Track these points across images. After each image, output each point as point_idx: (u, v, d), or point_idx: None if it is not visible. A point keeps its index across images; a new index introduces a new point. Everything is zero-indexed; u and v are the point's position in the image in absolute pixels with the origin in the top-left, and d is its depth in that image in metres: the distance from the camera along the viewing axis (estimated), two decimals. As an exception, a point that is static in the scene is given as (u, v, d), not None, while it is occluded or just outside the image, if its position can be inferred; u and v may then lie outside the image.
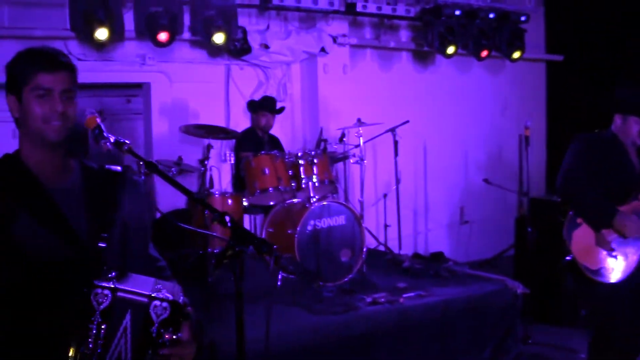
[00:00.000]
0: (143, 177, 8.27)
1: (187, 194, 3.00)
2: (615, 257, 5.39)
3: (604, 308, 5.56)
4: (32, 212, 2.71)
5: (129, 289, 2.62)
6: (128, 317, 2.60)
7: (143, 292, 2.64)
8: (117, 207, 2.94)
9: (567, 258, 5.48)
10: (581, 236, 5.44)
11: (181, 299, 2.72)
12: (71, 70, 2.86)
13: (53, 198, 2.80)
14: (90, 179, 2.95)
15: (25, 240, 2.68)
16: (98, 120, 2.85)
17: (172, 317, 2.66)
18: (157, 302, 2.64)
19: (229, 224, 2.81)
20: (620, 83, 5.85)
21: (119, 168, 3.03)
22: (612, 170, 5.50)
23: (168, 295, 2.67)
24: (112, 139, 2.80)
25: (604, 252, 5.39)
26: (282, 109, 9.46)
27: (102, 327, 2.55)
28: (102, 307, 2.55)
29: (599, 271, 5.39)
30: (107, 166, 3.03)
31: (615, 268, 5.40)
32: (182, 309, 2.71)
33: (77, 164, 2.99)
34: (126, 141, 2.82)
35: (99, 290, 2.55)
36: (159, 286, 2.70)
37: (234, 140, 9.21)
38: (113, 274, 2.61)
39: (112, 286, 2.57)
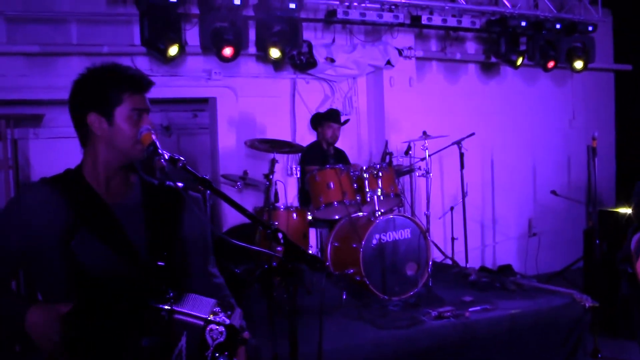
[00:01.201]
0: (208, 192, 8.37)
1: (241, 211, 2.97)
2: None
3: None
4: (92, 227, 2.77)
5: (186, 311, 2.63)
6: (184, 339, 2.62)
7: (200, 314, 2.65)
8: (176, 224, 2.99)
9: (629, 270, 5.36)
10: None
11: (238, 323, 2.73)
12: (149, 90, 2.97)
13: (113, 214, 2.85)
14: (150, 195, 3.00)
15: (84, 255, 2.71)
16: (154, 137, 2.87)
17: (228, 341, 2.67)
18: (213, 326, 2.65)
19: (281, 241, 2.79)
20: None
21: (179, 184, 3.05)
22: None
23: (225, 319, 2.68)
24: (166, 156, 2.81)
25: None
26: (347, 121, 9.46)
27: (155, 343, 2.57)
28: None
29: None
30: (167, 182, 3.06)
31: None
32: (239, 334, 2.72)
33: (138, 180, 3.04)
34: (180, 158, 2.82)
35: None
36: (217, 309, 2.71)
37: (299, 154, 9.23)
38: (171, 294, 2.64)
39: (169, 308, 2.59)
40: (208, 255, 3.21)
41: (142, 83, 2.92)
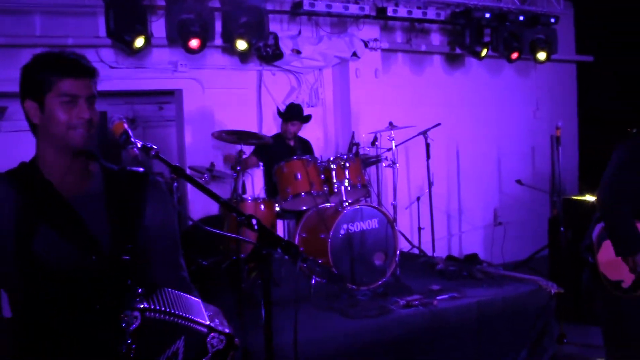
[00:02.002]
0: (176, 184, 8.35)
1: (214, 198, 2.95)
2: (635, 274, 5.28)
3: (616, 313, 5.45)
4: (52, 224, 2.67)
5: (187, 315, 2.63)
6: (180, 343, 2.61)
7: (202, 321, 2.67)
8: (139, 212, 2.89)
9: (590, 259, 5.40)
10: (610, 247, 5.33)
11: (230, 330, 2.76)
12: (94, 75, 2.83)
13: (73, 207, 2.75)
14: (111, 183, 2.90)
15: (47, 253, 2.62)
16: (125, 126, 2.82)
17: (225, 349, 2.71)
18: (215, 334, 2.68)
19: (255, 227, 2.75)
20: None
21: (140, 169, 2.98)
22: None
23: (226, 328, 2.72)
24: (139, 144, 2.76)
25: (627, 268, 5.27)
26: (309, 117, 9.46)
27: (132, 347, 2.52)
28: (131, 328, 2.51)
29: (617, 283, 5.30)
30: (128, 167, 2.99)
31: (632, 284, 5.29)
32: (234, 342, 2.75)
33: (98, 168, 2.93)
34: (153, 146, 2.77)
35: (128, 312, 2.52)
36: (210, 313, 2.75)
37: (261, 147, 9.21)
38: (140, 290, 2.59)
39: (142, 307, 2.54)
40: (175, 244, 3.09)
41: (74, 66, 2.76)
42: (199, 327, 2.65)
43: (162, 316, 2.56)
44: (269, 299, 2.85)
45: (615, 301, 5.36)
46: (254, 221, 2.75)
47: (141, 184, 2.94)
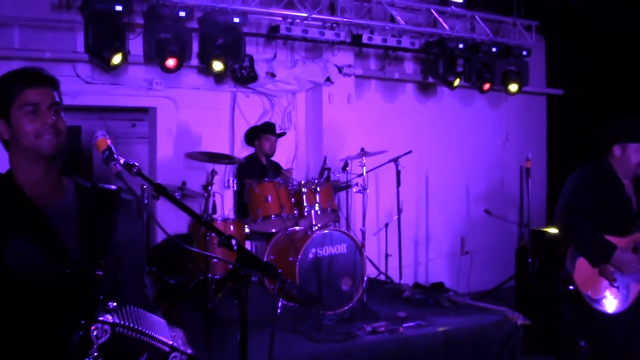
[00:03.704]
0: (146, 201, 8.34)
1: (194, 217, 2.98)
2: (617, 287, 5.42)
3: (598, 338, 5.59)
4: (25, 234, 2.66)
5: (151, 333, 2.63)
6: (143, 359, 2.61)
7: (165, 340, 2.67)
8: (111, 229, 2.89)
9: (570, 287, 5.51)
10: (584, 265, 5.47)
11: (192, 352, 2.77)
12: (55, 84, 2.84)
13: (48, 219, 2.75)
14: (84, 198, 2.90)
15: (18, 263, 2.61)
16: (109, 142, 2.84)
17: None
18: (177, 354, 2.69)
19: (235, 247, 2.76)
20: (617, 116, 5.88)
21: (112, 187, 3.00)
22: (610, 204, 5.53)
23: (187, 349, 2.73)
24: (121, 161, 2.78)
25: (606, 282, 5.42)
26: (283, 133, 9.53)
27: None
28: (100, 341, 2.50)
29: (601, 300, 5.42)
30: (100, 185, 3.00)
31: (617, 298, 5.44)
32: None
33: (71, 183, 2.93)
34: (135, 163, 2.80)
35: (99, 325, 2.51)
36: (174, 333, 2.77)
37: (236, 167, 9.25)
38: (111, 305, 2.59)
39: (112, 322, 2.53)
40: (141, 263, 3.12)
41: (33, 76, 2.80)
42: (162, 346, 2.65)
43: (129, 332, 2.56)
44: (245, 319, 2.86)
45: (597, 325, 5.50)
46: (233, 241, 2.76)
47: (113, 202, 2.95)
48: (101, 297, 2.65)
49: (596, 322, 5.52)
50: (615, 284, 5.40)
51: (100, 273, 2.75)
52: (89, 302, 2.62)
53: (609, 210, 5.50)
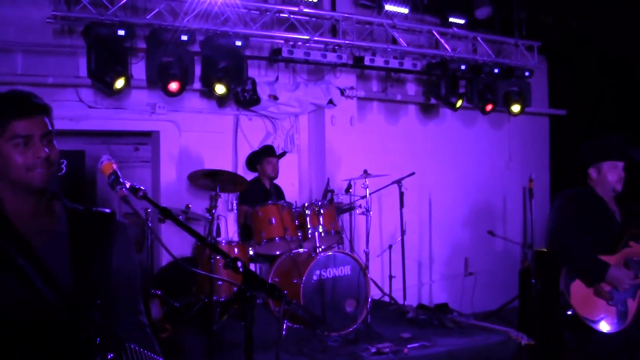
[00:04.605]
0: (150, 224, 8.35)
1: (200, 240, 2.97)
2: (614, 305, 5.42)
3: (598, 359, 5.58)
4: (12, 269, 2.50)
5: None
6: None
7: None
8: (105, 256, 2.76)
9: (569, 312, 5.50)
10: (579, 288, 5.47)
11: None
12: (47, 111, 2.70)
13: (37, 252, 2.58)
14: (76, 224, 2.76)
15: (4, 301, 2.46)
16: (114, 166, 2.76)
17: None
18: None
19: (240, 270, 2.72)
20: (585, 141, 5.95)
21: (107, 210, 2.88)
22: (596, 223, 5.55)
23: None
24: (127, 185, 2.69)
25: (603, 302, 5.42)
26: (284, 153, 9.56)
27: None
28: None
29: (600, 321, 5.41)
30: (94, 209, 2.87)
31: (616, 317, 5.43)
32: None
33: (61, 208, 2.79)
34: (141, 187, 2.71)
35: None
36: None
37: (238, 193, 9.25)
38: (110, 355, 2.48)
39: None
40: (136, 290, 2.96)
41: (23, 106, 2.63)
42: None
43: None
44: (250, 340, 2.84)
45: (595, 346, 5.49)
46: (239, 263, 2.72)
47: (107, 226, 2.83)
48: (98, 341, 2.50)
49: (596, 343, 5.51)
50: (612, 303, 5.41)
51: (98, 317, 2.57)
52: (86, 348, 2.49)
53: (595, 227, 5.52)
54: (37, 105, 2.67)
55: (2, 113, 2.61)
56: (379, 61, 10.37)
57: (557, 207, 5.66)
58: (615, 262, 5.44)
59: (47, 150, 2.64)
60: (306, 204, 8.32)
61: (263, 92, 10.15)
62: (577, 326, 5.50)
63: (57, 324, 2.52)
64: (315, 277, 7.80)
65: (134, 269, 2.93)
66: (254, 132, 10.80)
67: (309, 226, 8.18)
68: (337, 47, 10.17)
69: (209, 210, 8.16)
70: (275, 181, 9.52)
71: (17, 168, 2.59)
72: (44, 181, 2.63)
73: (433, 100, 11.81)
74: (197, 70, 9.38)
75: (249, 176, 9.54)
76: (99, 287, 2.65)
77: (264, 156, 9.26)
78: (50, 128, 2.69)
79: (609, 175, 5.61)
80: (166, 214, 2.81)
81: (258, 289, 2.75)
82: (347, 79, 11.09)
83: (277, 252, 8.42)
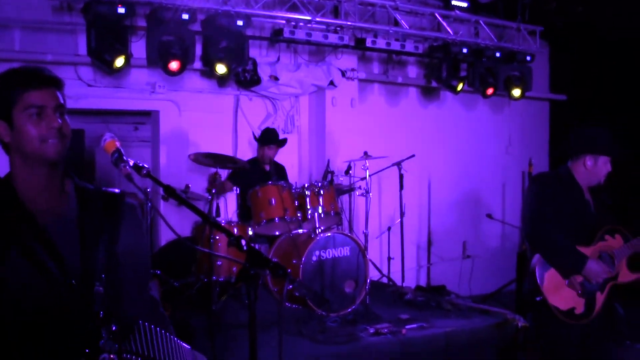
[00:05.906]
0: (150, 204, 8.35)
1: (204, 218, 2.97)
2: (583, 297, 5.42)
3: (553, 349, 5.58)
4: (23, 248, 2.52)
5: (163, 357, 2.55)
6: None
7: None
8: (114, 238, 2.74)
9: (538, 299, 5.49)
10: (553, 277, 5.46)
11: None
12: (59, 85, 2.71)
13: (46, 230, 2.60)
14: (86, 204, 2.75)
15: (14, 279, 2.48)
16: (117, 144, 2.75)
17: None
18: None
19: (244, 248, 2.71)
20: (589, 123, 5.83)
21: (116, 191, 2.87)
22: (571, 212, 5.50)
23: None
24: (131, 163, 2.69)
25: (574, 293, 5.41)
26: (285, 140, 9.52)
27: None
28: None
29: (569, 312, 5.41)
30: (103, 188, 2.86)
31: (584, 309, 5.43)
32: None
33: (72, 187, 2.78)
34: (145, 165, 2.70)
35: (106, 355, 2.41)
36: None
37: (230, 172, 9.22)
38: (114, 327, 2.49)
39: (119, 348, 2.45)
40: (146, 270, 2.99)
41: (37, 77, 2.64)
42: None
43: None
44: (254, 319, 2.82)
45: (552, 335, 5.51)
46: (243, 242, 2.72)
47: (116, 207, 2.80)
48: (101, 314, 2.51)
49: (554, 331, 5.51)
50: (582, 295, 5.41)
51: (101, 290, 2.57)
52: (88, 320, 2.51)
53: (569, 214, 5.46)
54: (50, 77, 2.68)
55: (17, 83, 2.62)
56: (381, 43, 10.34)
57: (532, 193, 5.57)
58: (591, 254, 5.42)
59: (60, 121, 2.64)
60: (306, 185, 8.31)
61: (264, 72, 10.13)
62: (541, 312, 5.50)
63: (64, 302, 2.54)
64: (314, 258, 7.80)
65: (143, 251, 2.95)
66: (254, 112, 10.79)
67: (308, 207, 8.18)
68: (338, 29, 10.15)
69: (208, 190, 8.16)
70: (279, 161, 9.50)
71: (31, 140, 2.60)
72: (57, 152, 2.63)
73: (434, 83, 11.80)
74: (198, 50, 9.36)
75: (250, 155, 9.54)
76: (105, 266, 2.63)
77: (267, 142, 9.18)
78: (62, 101, 2.69)
79: (603, 169, 5.54)
80: (170, 192, 2.79)
81: (262, 267, 2.74)
82: (348, 61, 11.09)
83: (277, 233, 8.41)
